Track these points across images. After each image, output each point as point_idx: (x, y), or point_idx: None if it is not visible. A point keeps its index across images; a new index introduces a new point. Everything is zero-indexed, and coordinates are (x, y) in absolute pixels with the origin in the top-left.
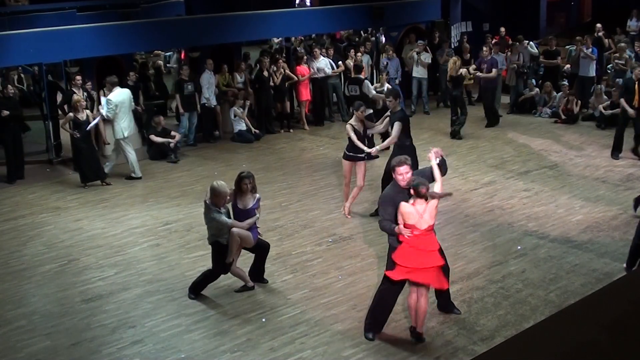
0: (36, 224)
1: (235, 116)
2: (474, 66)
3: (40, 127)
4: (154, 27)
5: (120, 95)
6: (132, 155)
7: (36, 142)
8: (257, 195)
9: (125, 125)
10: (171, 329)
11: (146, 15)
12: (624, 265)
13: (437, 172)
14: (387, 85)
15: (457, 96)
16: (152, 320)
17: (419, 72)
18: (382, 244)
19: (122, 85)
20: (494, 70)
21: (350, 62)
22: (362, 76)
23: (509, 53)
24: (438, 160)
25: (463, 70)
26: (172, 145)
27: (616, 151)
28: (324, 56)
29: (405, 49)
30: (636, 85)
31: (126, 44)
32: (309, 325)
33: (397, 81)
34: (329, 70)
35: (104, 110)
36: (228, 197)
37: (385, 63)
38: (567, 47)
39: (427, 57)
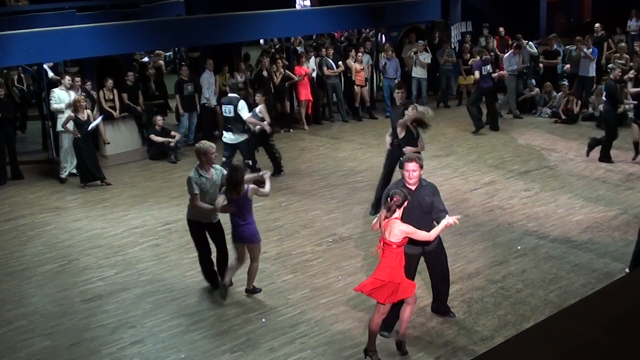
0: (36, 224)
1: None
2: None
3: (40, 127)
4: (154, 27)
5: (62, 93)
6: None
7: (36, 142)
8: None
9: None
10: (171, 329)
11: (146, 15)
12: (627, 269)
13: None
14: (260, 107)
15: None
16: (152, 320)
17: (418, 72)
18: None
19: (122, 85)
20: (476, 73)
21: (350, 62)
22: (237, 95)
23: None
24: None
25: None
26: (172, 144)
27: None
28: (322, 57)
29: (405, 48)
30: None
31: (126, 44)
32: (309, 325)
33: (396, 81)
34: (313, 73)
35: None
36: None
37: (383, 63)
38: (567, 47)
39: (426, 57)
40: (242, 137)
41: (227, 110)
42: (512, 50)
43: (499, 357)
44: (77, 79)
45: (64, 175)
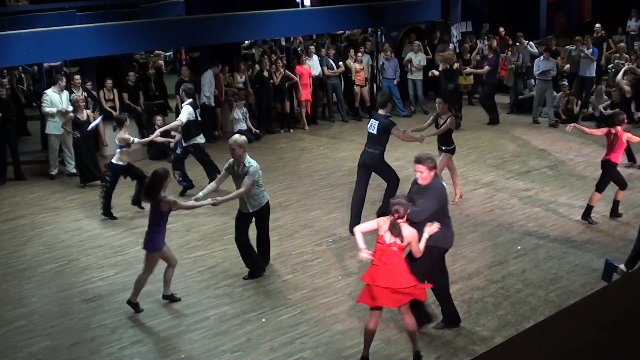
0: (36, 224)
1: (237, 117)
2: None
3: (39, 127)
4: (154, 27)
5: (54, 95)
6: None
7: (36, 142)
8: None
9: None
10: (171, 329)
11: (146, 15)
12: (622, 266)
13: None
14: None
15: (450, 90)
16: (152, 320)
17: (413, 74)
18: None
19: (123, 85)
20: (486, 67)
21: (350, 62)
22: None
23: (509, 53)
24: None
25: (456, 65)
26: (172, 145)
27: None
28: (321, 56)
29: (405, 49)
30: None
31: (126, 44)
32: (309, 325)
33: (395, 82)
34: (317, 71)
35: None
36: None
37: (381, 63)
38: (567, 47)
39: (422, 60)
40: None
41: (199, 113)
42: (543, 54)
43: (499, 357)
44: (77, 77)
45: (53, 172)
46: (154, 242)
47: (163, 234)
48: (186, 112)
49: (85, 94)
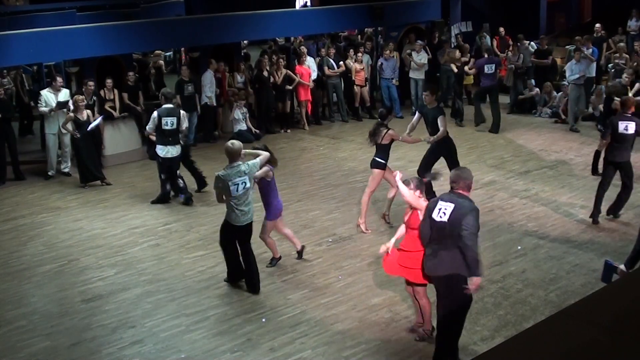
0: (36, 224)
1: (237, 117)
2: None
3: (39, 127)
4: (154, 27)
5: (49, 95)
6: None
7: (36, 142)
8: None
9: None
10: (171, 329)
11: (146, 15)
12: (622, 266)
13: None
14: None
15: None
16: (152, 320)
17: (414, 72)
18: (381, 244)
19: (122, 84)
20: (473, 69)
21: (350, 62)
22: (173, 105)
23: (509, 53)
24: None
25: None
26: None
27: None
28: (322, 57)
29: (405, 48)
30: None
31: (126, 44)
32: (309, 325)
33: (394, 81)
34: (313, 75)
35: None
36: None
37: (380, 63)
38: (567, 47)
39: (422, 58)
40: (180, 149)
41: (170, 122)
42: (573, 58)
43: (499, 357)
44: (91, 83)
45: (51, 172)
46: (274, 212)
47: (279, 202)
48: (186, 119)
49: (94, 97)
